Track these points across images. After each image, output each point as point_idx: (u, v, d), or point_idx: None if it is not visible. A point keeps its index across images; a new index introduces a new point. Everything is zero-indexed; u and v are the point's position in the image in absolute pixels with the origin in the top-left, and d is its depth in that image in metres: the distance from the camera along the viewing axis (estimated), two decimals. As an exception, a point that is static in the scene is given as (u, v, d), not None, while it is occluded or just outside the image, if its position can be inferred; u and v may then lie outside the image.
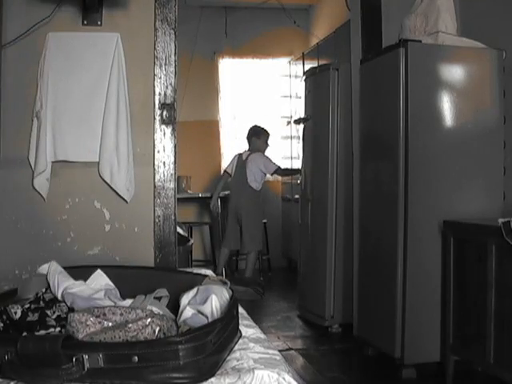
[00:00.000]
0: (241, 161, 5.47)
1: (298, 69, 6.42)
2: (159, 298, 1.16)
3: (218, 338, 0.92)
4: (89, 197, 2.16)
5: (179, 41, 2.25)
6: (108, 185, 2.15)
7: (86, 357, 0.84)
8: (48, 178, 2.11)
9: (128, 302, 1.18)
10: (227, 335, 0.98)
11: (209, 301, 1.04)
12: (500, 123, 3.21)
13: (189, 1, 6.24)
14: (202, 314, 1.02)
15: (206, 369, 0.88)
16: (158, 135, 2.20)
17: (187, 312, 1.03)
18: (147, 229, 2.22)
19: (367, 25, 3.91)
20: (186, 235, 4.97)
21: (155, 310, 1.07)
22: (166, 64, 2.20)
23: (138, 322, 0.93)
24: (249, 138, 5.61)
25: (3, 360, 0.85)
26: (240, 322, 1.25)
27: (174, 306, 1.13)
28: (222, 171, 5.84)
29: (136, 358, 0.83)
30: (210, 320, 1.00)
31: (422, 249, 3.12)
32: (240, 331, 1.10)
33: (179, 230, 3.36)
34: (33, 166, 2.09)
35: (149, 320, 0.93)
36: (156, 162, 2.20)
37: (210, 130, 6.81)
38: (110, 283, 1.28)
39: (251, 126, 5.76)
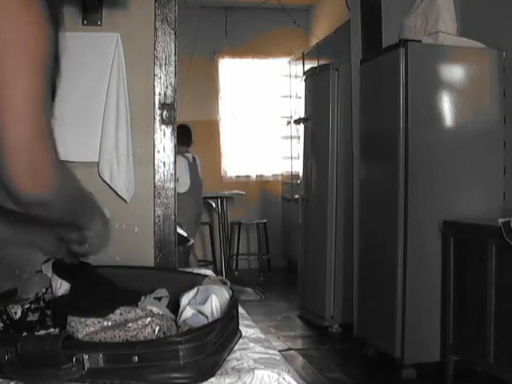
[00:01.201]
0: (191, 164, 5.19)
1: (298, 69, 6.42)
2: (159, 299, 1.16)
3: (218, 338, 0.92)
4: (89, 197, 2.16)
5: (179, 41, 2.24)
6: (108, 185, 2.15)
7: (85, 357, 0.84)
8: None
9: None
10: (227, 335, 0.98)
11: (209, 301, 1.04)
12: (500, 123, 3.21)
13: (189, 1, 6.24)
14: (202, 314, 1.02)
15: (206, 369, 0.88)
16: (157, 135, 2.20)
17: (187, 312, 1.03)
18: (147, 229, 2.22)
19: (367, 25, 3.91)
20: (186, 235, 4.96)
21: (155, 310, 1.07)
22: (165, 64, 2.20)
23: (138, 321, 0.93)
24: (190, 138, 5.36)
25: (3, 360, 0.85)
26: (240, 321, 1.25)
27: (174, 307, 1.13)
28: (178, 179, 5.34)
29: (136, 357, 0.83)
30: (210, 320, 1.00)
31: (422, 249, 3.12)
32: (240, 331, 1.10)
33: (179, 230, 3.36)
34: (33, 166, 2.09)
35: (148, 319, 0.93)
36: (156, 162, 2.20)
37: (210, 130, 6.81)
38: None
39: (185, 125, 5.26)
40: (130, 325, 0.92)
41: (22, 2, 0.78)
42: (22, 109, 0.77)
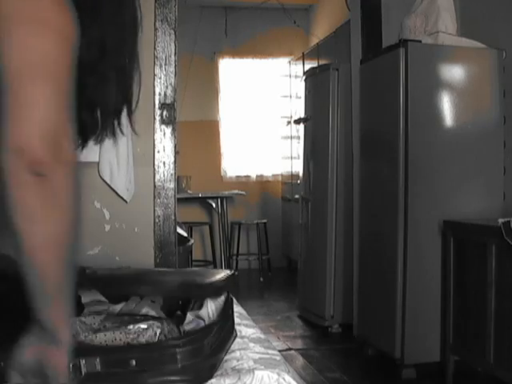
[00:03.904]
0: None
1: (298, 69, 6.42)
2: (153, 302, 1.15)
3: (214, 340, 0.92)
4: (89, 197, 2.16)
5: (179, 41, 2.24)
6: (108, 185, 2.15)
7: (83, 361, 0.83)
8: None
9: (120, 305, 1.16)
10: (223, 336, 0.98)
11: (204, 305, 1.05)
12: (500, 123, 3.21)
13: (189, 1, 6.23)
14: (200, 318, 1.03)
15: (204, 371, 0.88)
16: (157, 135, 2.20)
17: (188, 317, 1.03)
18: (147, 229, 2.22)
19: (367, 25, 3.91)
20: (186, 235, 4.96)
21: (152, 313, 1.07)
22: (165, 64, 2.20)
23: (139, 323, 0.93)
24: None
25: (-1, 368, 0.84)
26: (240, 321, 1.25)
27: (169, 309, 1.14)
28: None
29: (134, 361, 0.83)
30: (206, 322, 1.01)
31: (422, 249, 3.12)
32: (235, 331, 1.10)
33: (179, 230, 3.35)
34: (33, 166, 2.09)
35: (150, 322, 0.93)
36: (156, 162, 2.20)
37: (210, 130, 6.81)
38: (101, 297, 1.21)
39: None
40: (130, 327, 0.92)
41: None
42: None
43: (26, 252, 0.69)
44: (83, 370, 0.83)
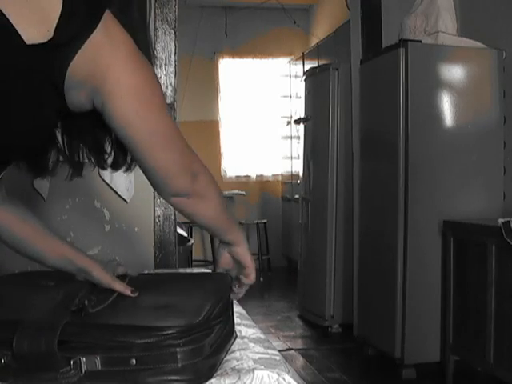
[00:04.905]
0: None
1: (298, 69, 6.42)
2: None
3: (215, 340, 0.92)
4: (89, 197, 2.16)
5: (179, 41, 2.25)
6: (108, 185, 2.15)
7: (83, 359, 0.83)
8: (48, 178, 2.11)
9: None
10: (224, 337, 0.98)
11: None
12: (500, 123, 3.21)
13: (189, 1, 6.24)
14: None
15: (204, 371, 0.88)
16: (157, 135, 2.20)
17: None
18: (147, 229, 2.22)
19: (367, 25, 3.90)
20: (186, 235, 4.96)
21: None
22: (165, 64, 2.20)
23: None
24: None
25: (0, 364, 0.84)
26: (240, 321, 1.25)
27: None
28: None
29: (134, 360, 0.83)
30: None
31: (422, 249, 3.12)
32: (235, 332, 1.10)
33: (179, 230, 3.36)
34: (33, 166, 2.09)
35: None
36: (156, 162, 2.20)
37: (210, 130, 6.81)
38: None
39: None
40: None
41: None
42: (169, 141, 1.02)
43: (207, 225, 1.15)
44: (83, 368, 0.84)
